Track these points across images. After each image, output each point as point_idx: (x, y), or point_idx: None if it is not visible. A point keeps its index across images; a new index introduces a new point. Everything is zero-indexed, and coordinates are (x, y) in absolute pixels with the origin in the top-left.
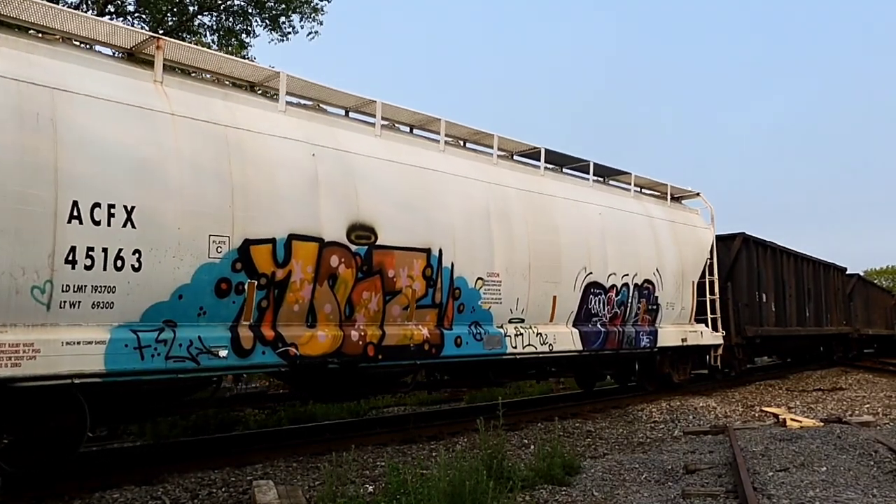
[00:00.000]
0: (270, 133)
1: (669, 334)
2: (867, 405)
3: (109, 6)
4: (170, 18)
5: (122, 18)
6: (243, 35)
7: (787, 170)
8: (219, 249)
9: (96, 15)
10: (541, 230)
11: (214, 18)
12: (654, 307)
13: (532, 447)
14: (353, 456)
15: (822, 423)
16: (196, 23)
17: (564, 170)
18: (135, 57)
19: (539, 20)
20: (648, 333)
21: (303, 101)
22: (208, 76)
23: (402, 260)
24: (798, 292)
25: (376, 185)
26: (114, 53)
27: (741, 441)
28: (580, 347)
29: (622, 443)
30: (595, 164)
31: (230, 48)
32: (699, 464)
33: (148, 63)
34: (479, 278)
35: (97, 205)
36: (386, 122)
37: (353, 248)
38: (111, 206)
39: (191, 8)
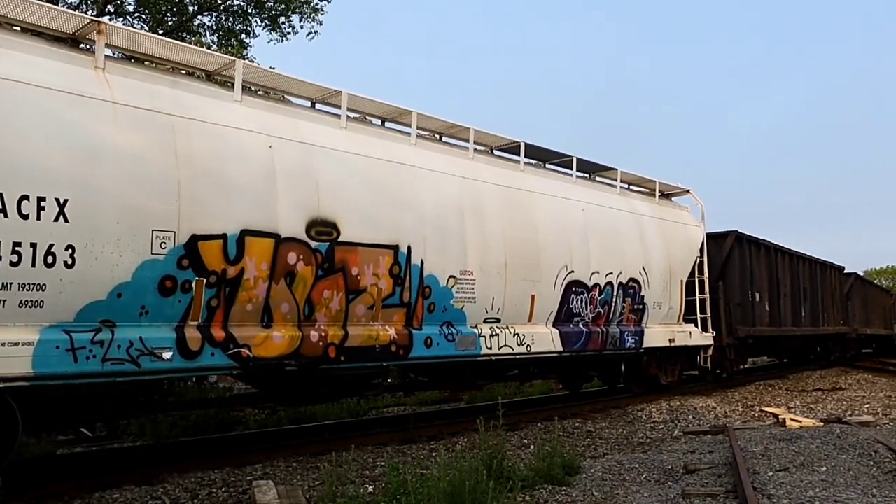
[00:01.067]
0: (223, 123)
1: (656, 335)
2: (867, 405)
3: (109, 6)
4: (170, 18)
5: (121, 18)
6: (243, 35)
7: (787, 170)
8: (163, 245)
9: (96, 15)
10: (519, 227)
11: (214, 18)
12: (640, 307)
13: (532, 447)
14: (353, 456)
15: (821, 423)
16: (196, 23)
17: (547, 165)
18: (78, 42)
19: (539, 20)
20: (634, 334)
21: (269, 93)
22: (164, 65)
23: (366, 257)
24: (793, 291)
25: (340, 179)
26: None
27: (741, 441)
28: (560, 348)
29: (622, 443)
30: (579, 160)
31: (230, 48)
32: (699, 464)
33: (92, 49)
34: (451, 276)
35: (25, 197)
36: (355, 115)
37: (314, 244)
38: (41, 199)
39: (191, 8)
